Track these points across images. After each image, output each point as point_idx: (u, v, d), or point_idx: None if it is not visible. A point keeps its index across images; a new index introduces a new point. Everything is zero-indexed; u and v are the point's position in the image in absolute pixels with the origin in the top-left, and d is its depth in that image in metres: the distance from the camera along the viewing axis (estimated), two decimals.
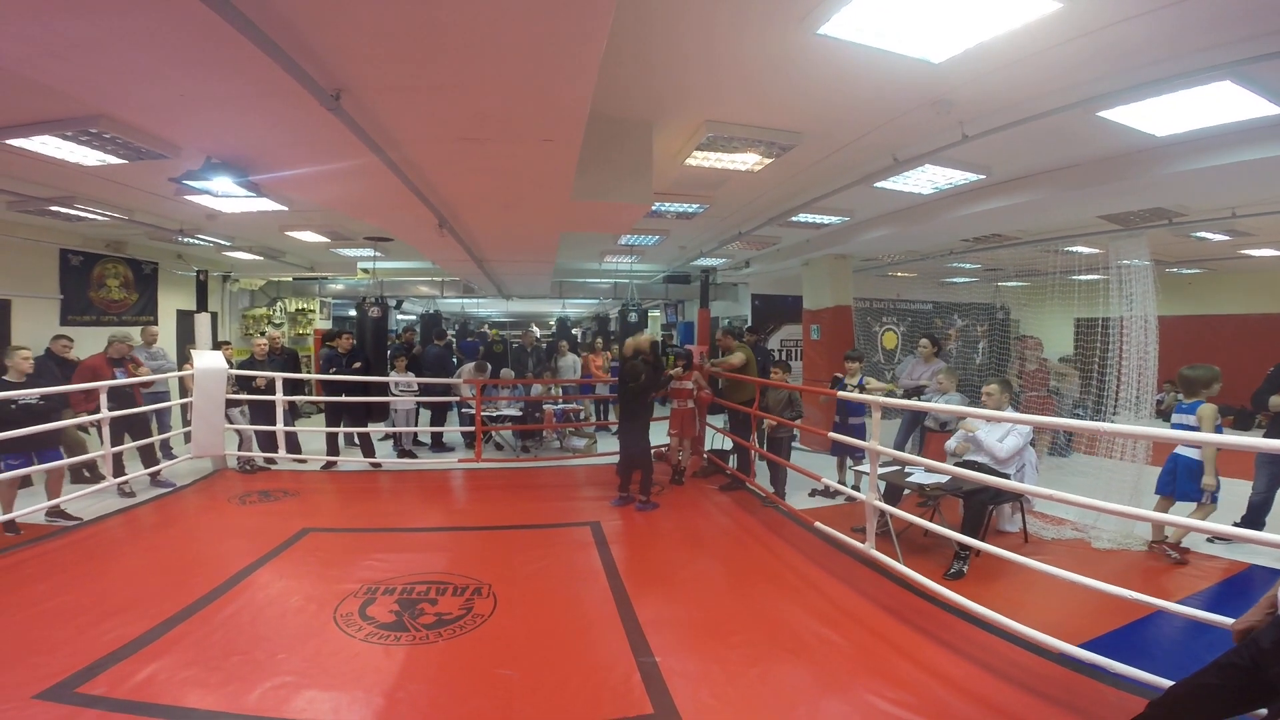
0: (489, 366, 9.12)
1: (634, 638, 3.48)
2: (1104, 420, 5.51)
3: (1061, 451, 7.64)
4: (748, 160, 5.02)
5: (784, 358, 11.98)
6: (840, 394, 5.56)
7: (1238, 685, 2.05)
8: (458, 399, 8.94)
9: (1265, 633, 2.06)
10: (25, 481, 5.53)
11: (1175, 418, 4.80)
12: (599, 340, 11.69)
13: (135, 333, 7.18)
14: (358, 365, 7.91)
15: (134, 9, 2.36)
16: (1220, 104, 3.63)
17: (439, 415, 9.35)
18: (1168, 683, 2.42)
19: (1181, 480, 4.71)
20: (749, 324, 12.33)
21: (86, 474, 6.52)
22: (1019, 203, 5.80)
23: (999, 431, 4.76)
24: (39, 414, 5.19)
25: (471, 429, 7.78)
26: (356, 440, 8.01)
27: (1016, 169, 5.49)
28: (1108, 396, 5.56)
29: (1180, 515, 4.58)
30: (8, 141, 4.23)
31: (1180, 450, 4.75)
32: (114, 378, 6.18)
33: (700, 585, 4.30)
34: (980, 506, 4.45)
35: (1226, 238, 7.78)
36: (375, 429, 8.44)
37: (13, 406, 5.01)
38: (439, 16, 2.51)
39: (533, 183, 4.77)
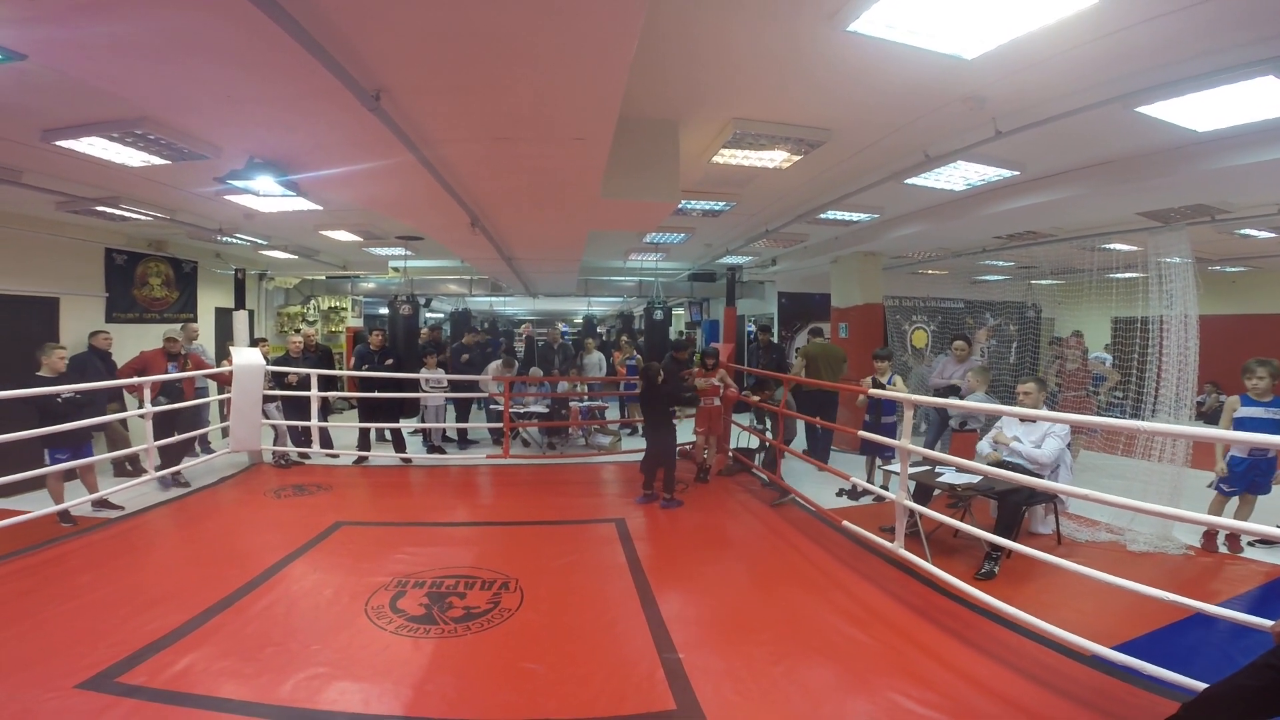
0: (516, 364, 9.20)
1: (658, 634, 3.50)
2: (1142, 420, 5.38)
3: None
4: (775, 158, 4.99)
5: None
6: (872, 391, 5.51)
7: (1274, 686, 2.02)
8: (485, 395, 9.03)
9: None
10: (69, 474, 5.72)
11: None
12: (623, 338, 11.72)
13: (177, 329, 7.40)
14: (390, 362, 8.05)
15: (181, 8, 2.42)
16: (1264, 99, 3.51)
17: (466, 411, 9.47)
18: (1202, 685, 2.38)
19: None
20: (769, 323, 12.27)
21: (129, 467, 6.74)
22: (1054, 199, 5.67)
23: (1036, 434, 4.68)
24: (80, 408, 5.39)
25: (499, 425, 7.86)
26: (389, 436, 8.14)
27: (1052, 165, 5.36)
28: (1146, 396, 5.41)
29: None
30: (57, 143, 4.38)
31: None
32: (168, 372, 6.50)
33: (724, 582, 4.30)
34: (1014, 507, 4.38)
35: (1273, 235, 7.53)
36: (406, 424, 8.57)
37: (58, 401, 5.20)
38: (476, 20, 2.56)
39: (563, 181, 4.81)
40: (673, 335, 13.08)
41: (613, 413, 10.06)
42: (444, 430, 8.95)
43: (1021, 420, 4.73)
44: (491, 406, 9.22)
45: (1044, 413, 4.31)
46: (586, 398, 9.67)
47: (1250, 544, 4.81)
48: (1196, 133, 4.17)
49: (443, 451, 8.52)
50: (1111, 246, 7.95)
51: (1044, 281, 11.25)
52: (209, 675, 3.03)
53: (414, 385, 8.34)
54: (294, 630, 3.49)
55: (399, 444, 7.98)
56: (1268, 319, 11.10)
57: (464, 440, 9.09)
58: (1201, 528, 4.81)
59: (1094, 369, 7.60)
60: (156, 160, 4.77)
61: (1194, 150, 4.56)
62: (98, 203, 6.15)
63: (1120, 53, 3.27)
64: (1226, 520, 3.77)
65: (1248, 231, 7.30)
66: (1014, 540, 3.90)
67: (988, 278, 12.71)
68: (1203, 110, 3.78)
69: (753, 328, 12.81)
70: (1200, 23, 2.97)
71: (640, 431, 7.64)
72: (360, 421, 8.07)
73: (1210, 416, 10.80)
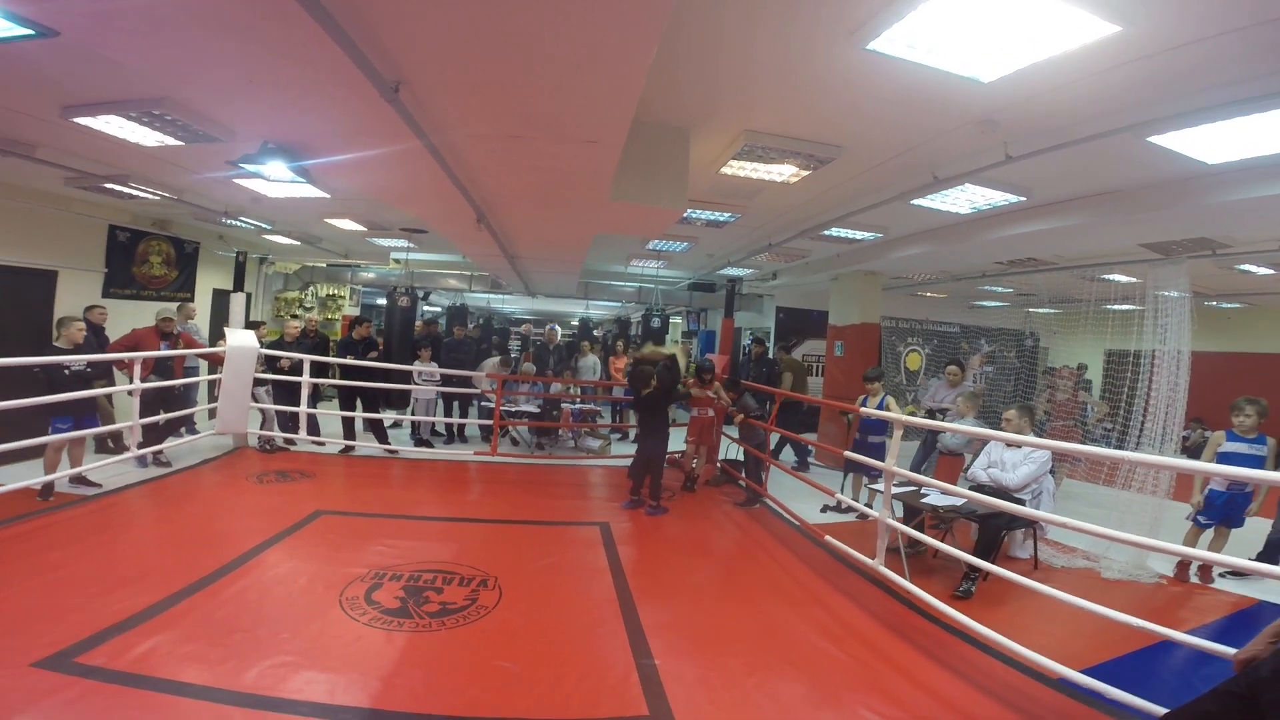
0: (513, 361, 9.17)
1: (635, 639, 3.47)
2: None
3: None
4: (784, 171, 4.98)
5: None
6: (863, 410, 5.50)
7: (1232, 713, 2.04)
8: (478, 392, 8.99)
9: (1266, 662, 2.06)
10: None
11: None
12: (620, 343, 11.71)
13: (172, 308, 7.37)
14: (373, 354, 8.00)
15: None
16: (1277, 132, 3.49)
17: (464, 407, 9.38)
18: (1162, 710, 2.41)
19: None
20: (764, 336, 12.28)
21: (111, 444, 6.69)
22: (1059, 226, 5.66)
23: (1017, 458, 4.68)
24: (87, 380, 5.39)
25: (489, 422, 7.82)
26: (368, 426, 8.08)
27: (1059, 192, 5.35)
28: (1132, 429, 5.43)
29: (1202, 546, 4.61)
30: (75, 120, 4.37)
31: None
32: (159, 350, 6.46)
33: (704, 591, 4.28)
34: (995, 531, 4.39)
35: (1271, 271, 7.55)
36: (386, 415, 8.46)
37: (65, 372, 5.20)
38: (501, 17, 2.55)
39: (573, 182, 4.80)
40: (668, 343, 13.07)
41: (604, 417, 10.04)
42: (433, 424, 8.91)
43: (1008, 445, 4.74)
44: (483, 403, 9.19)
45: (1025, 438, 4.32)
46: (579, 400, 9.64)
47: (1221, 575, 4.89)
48: (1206, 164, 4.16)
49: (430, 445, 8.48)
50: (1111, 277, 7.96)
51: (1041, 310, 11.26)
52: (171, 659, 2.96)
53: (402, 376, 8.29)
54: (264, 617, 3.44)
55: (379, 435, 7.92)
56: (1260, 358, 11.09)
57: (453, 436, 9.04)
58: (1176, 558, 4.86)
59: (1083, 399, 7.65)
60: (171, 141, 4.77)
61: (1202, 182, 4.55)
62: (107, 180, 6.14)
63: (1138, 80, 3.25)
64: (1199, 551, 3.82)
65: (1247, 267, 7.32)
66: (992, 563, 3.90)
67: (985, 303, 12.73)
68: (1214, 142, 3.77)
69: (749, 340, 12.84)
70: (1223, 53, 2.94)
71: (631, 437, 7.64)
72: (340, 410, 8.02)
73: (1194, 451, 10.82)
